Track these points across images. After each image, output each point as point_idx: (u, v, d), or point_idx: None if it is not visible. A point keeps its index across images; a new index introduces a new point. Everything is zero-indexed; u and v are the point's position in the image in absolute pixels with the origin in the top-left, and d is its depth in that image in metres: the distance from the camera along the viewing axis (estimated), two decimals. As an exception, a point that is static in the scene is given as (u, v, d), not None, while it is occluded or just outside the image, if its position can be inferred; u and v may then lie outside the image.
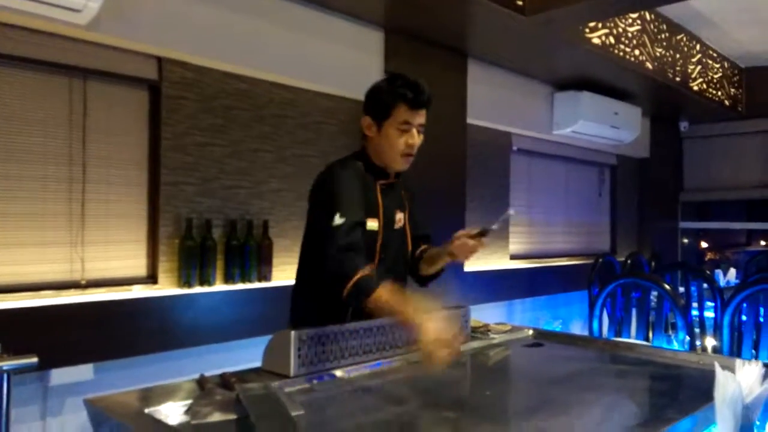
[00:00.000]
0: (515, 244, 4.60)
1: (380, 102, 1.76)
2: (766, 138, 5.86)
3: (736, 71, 5.62)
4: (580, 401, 1.40)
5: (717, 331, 2.69)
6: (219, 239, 2.70)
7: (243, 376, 1.37)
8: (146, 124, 2.55)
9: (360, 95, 1.88)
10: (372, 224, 1.74)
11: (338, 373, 1.50)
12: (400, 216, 1.87)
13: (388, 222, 1.79)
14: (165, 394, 1.26)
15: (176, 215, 2.59)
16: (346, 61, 3.13)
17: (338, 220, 1.61)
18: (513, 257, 4.54)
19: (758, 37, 4.85)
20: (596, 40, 3.69)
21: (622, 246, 5.67)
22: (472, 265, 4.01)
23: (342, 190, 1.69)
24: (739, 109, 5.70)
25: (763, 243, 6.63)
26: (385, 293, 1.50)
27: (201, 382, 1.33)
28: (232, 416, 1.19)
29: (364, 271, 1.53)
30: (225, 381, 1.31)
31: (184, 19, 2.52)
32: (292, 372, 1.41)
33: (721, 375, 1.15)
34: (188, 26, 2.53)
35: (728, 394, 1.14)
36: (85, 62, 2.33)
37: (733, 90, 5.57)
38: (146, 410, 1.17)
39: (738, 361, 1.25)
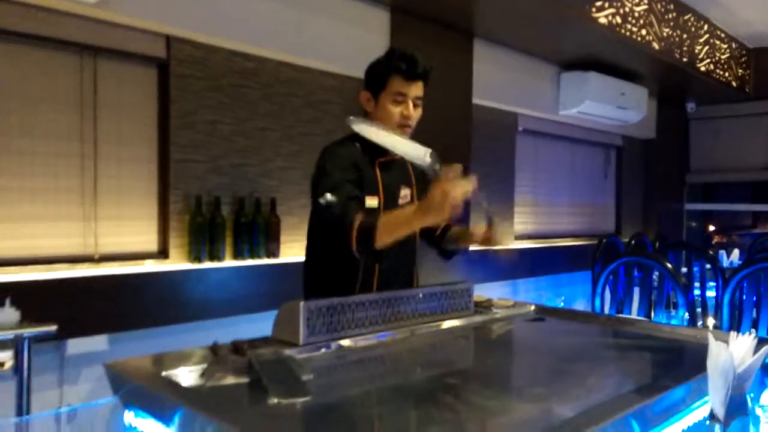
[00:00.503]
0: (520, 224, 4.63)
1: (376, 74, 1.80)
2: (773, 119, 5.84)
3: (744, 52, 5.58)
4: (578, 371, 1.45)
5: (718, 310, 2.74)
6: (228, 216, 2.75)
7: (254, 343, 1.42)
8: (155, 102, 2.59)
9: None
10: (371, 202, 1.78)
11: (345, 342, 1.55)
12: (405, 192, 1.90)
13: (390, 198, 1.82)
14: (180, 359, 1.32)
15: (186, 192, 2.63)
16: (352, 40, 3.14)
17: (330, 197, 1.64)
18: (518, 237, 4.58)
19: (767, 16, 4.82)
20: (603, 20, 3.68)
21: (627, 227, 5.70)
22: (476, 245, 4.05)
23: (332, 170, 1.72)
24: (747, 90, 5.67)
25: None
26: (385, 218, 1.57)
27: (214, 348, 1.38)
28: (245, 379, 1.24)
29: (360, 218, 1.56)
30: (237, 347, 1.37)
31: (193, -3, 2.54)
32: (301, 340, 1.47)
33: (714, 345, 1.20)
34: (196, 5, 2.55)
35: (720, 363, 1.19)
36: (96, 40, 2.36)
37: (740, 71, 5.54)
38: (163, 373, 1.23)
39: (732, 334, 1.29)
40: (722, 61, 5.19)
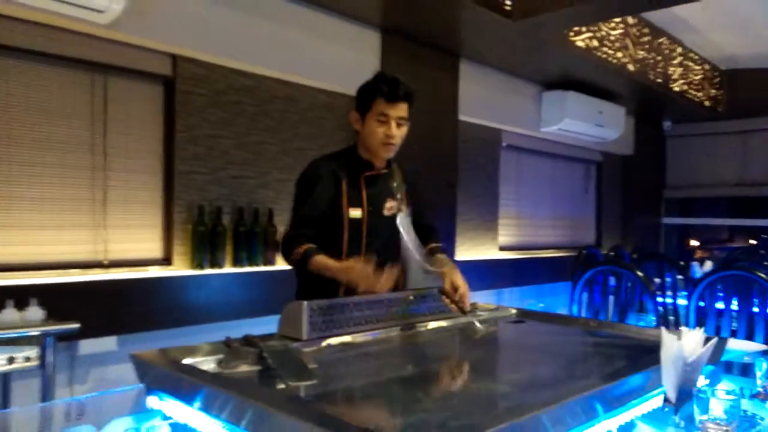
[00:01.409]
0: (504, 236, 4.83)
1: (363, 97, 1.96)
2: (745, 138, 6.13)
3: (716, 73, 5.87)
4: (551, 363, 1.63)
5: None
6: (228, 225, 2.90)
7: (263, 338, 1.58)
8: (161, 117, 2.75)
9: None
10: (355, 213, 1.96)
11: (344, 339, 1.71)
12: (390, 204, 2.05)
13: (375, 209, 1.99)
14: (197, 351, 1.47)
15: (189, 202, 2.79)
16: (345, 59, 3.34)
17: (295, 215, 1.96)
18: (502, 248, 4.77)
19: (738, 41, 5.10)
20: (580, 43, 3.92)
21: (606, 240, 5.93)
22: (462, 255, 4.24)
23: (303, 189, 1.97)
24: (719, 109, 5.96)
25: (753, 241, 6.84)
26: (316, 261, 1.84)
27: (227, 342, 1.54)
28: (257, 368, 1.40)
29: (303, 246, 1.86)
30: (249, 341, 1.52)
31: (197, 19, 2.71)
32: (304, 336, 1.63)
33: (666, 337, 1.38)
34: (200, 26, 2.73)
35: (671, 353, 1.37)
36: (106, 59, 2.53)
37: (713, 91, 5.83)
38: (184, 361, 1.38)
39: (683, 329, 1.47)
40: (696, 82, 5.47)
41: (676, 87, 5.12)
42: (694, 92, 5.42)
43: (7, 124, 2.28)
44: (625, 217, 6.19)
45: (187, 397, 1.27)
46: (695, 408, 1.29)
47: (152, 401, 1.39)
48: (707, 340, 1.46)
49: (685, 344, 1.41)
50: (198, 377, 1.29)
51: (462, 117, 4.15)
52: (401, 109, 1.93)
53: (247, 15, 2.88)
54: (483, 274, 4.32)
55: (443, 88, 4.00)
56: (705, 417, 1.27)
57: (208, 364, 1.43)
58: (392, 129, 1.92)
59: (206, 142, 2.84)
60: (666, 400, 1.39)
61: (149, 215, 2.72)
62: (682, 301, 3.57)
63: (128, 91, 2.63)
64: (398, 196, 2.09)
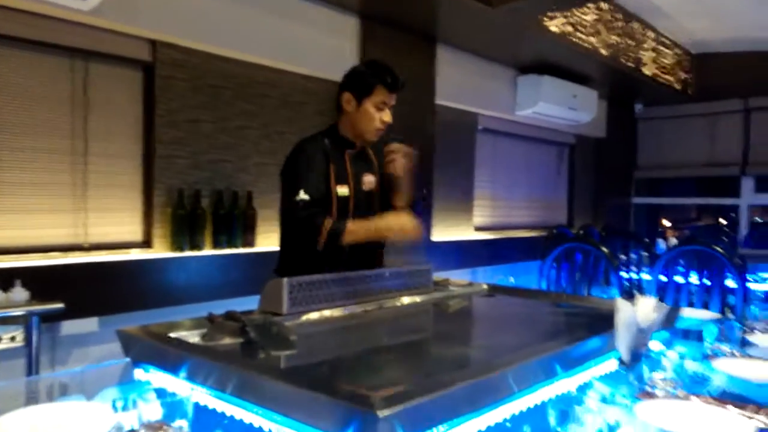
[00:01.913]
0: (479, 217, 4.95)
1: (363, 82, 2.03)
2: (713, 120, 6.31)
3: (687, 57, 6.02)
4: (517, 330, 1.74)
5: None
6: (207, 208, 2.95)
7: (244, 314, 1.65)
8: (141, 102, 2.78)
9: (336, 77, 2.15)
10: (343, 190, 2.05)
11: (323, 313, 1.80)
12: (369, 179, 2.14)
13: (357, 185, 2.09)
14: (181, 326, 1.55)
15: (169, 186, 2.83)
16: (324, 45, 3.38)
17: (302, 195, 1.95)
18: (477, 228, 4.89)
19: (708, 26, 5.24)
20: (554, 28, 4.01)
21: (578, 219, 6.09)
22: (438, 236, 4.35)
23: (304, 169, 2.01)
24: (689, 92, 6.13)
25: (723, 220, 7.04)
26: (352, 225, 1.93)
27: (210, 318, 1.61)
28: (240, 340, 1.48)
29: (329, 221, 1.92)
30: (231, 316, 1.60)
31: (176, 5, 2.74)
32: (284, 310, 1.71)
33: (620, 303, 1.49)
34: (180, 12, 2.75)
35: (625, 318, 1.48)
36: (87, 44, 2.55)
37: (683, 75, 5.98)
38: (170, 335, 1.45)
39: (638, 296, 1.59)
40: (666, 66, 5.61)
41: (647, 71, 5.25)
42: (665, 76, 5.57)
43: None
44: (596, 198, 6.36)
45: (173, 368, 1.34)
46: (644, 367, 1.41)
47: (139, 373, 1.46)
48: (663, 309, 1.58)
49: (639, 310, 1.53)
50: (184, 348, 1.36)
51: (439, 101, 4.23)
52: (395, 98, 2.06)
53: (226, 0, 2.91)
54: (459, 254, 4.43)
55: (421, 73, 4.06)
56: (654, 375, 1.39)
57: (192, 337, 1.50)
58: (388, 116, 2.04)
59: (186, 126, 2.87)
60: (620, 361, 1.50)
61: (129, 199, 2.76)
62: (647, 276, 3.73)
63: (108, 77, 2.65)
64: (375, 172, 2.16)
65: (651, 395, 1.33)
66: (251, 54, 3.07)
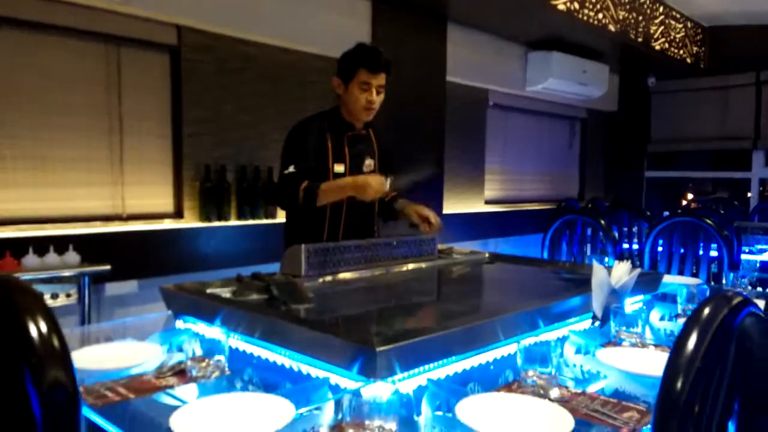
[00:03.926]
0: (490, 191, 5.13)
1: (346, 65, 2.19)
2: (726, 93, 6.35)
3: (699, 30, 6.04)
4: (510, 291, 1.96)
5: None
6: (232, 182, 3.19)
7: (267, 275, 1.89)
8: (169, 84, 3.00)
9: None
10: (339, 168, 2.23)
11: (337, 276, 2.04)
12: (369, 162, 2.32)
13: (355, 165, 2.26)
14: (214, 284, 1.79)
15: (196, 161, 3.07)
16: (339, 26, 3.56)
17: (291, 169, 2.14)
18: (488, 202, 5.08)
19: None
20: (561, 6, 4.11)
21: (589, 193, 6.23)
22: (450, 209, 4.55)
23: (295, 147, 2.19)
24: (702, 66, 6.16)
25: (723, 194, 7.10)
26: (324, 185, 2.08)
27: (239, 278, 1.86)
28: (264, 296, 1.72)
29: (305, 183, 2.07)
30: (257, 276, 1.84)
31: (199, -8, 2.93)
32: (302, 273, 1.95)
33: (595, 266, 1.69)
34: (203, -2, 2.95)
35: (599, 279, 1.69)
36: (119, 31, 2.76)
37: (695, 48, 6.02)
38: (207, 291, 1.70)
39: (615, 261, 1.79)
40: (677, 40, 5.66)
41: (657, 45, 5.32)
42: (675, 50, 5.62)
43: (40, 93, 2.55)
44: (608, 171, 6.48)
45: (209, 318, 1.59)
46: (612, 323, 1.62)
47: (179, 324, 1.72)
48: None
49: (613, 272, 1.74)
50: (219, 301, 1.61)
51: (450, 78, 4.38)
52: (381, 78, 2.17)
53: (244, -14, 3.10)
54: (469, 226, 4.64)
55: (432, 51, 4.22)
56: (621, 329, 1.60)
57: (224, 294, 1.75)
58: (373, 95, 2.17)
59: (211, 106, 3.10)
60: (594, 318, 1.71)
61: (161, 173, 3.00)
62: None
63: (139, 61, 2.88)
64: (375, 157, 2.35)
65: (616, 345, 1.54)
66: (270, 37, 3.26)
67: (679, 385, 0.71)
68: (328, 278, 2.02)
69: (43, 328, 0.76)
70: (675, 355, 0.72)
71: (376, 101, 2.19)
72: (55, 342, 0.76)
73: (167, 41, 2.93)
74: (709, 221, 2.78)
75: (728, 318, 0.76)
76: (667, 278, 2.33)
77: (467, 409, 1.03)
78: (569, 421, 0.98)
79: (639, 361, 1.34)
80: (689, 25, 5.82)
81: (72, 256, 2.22)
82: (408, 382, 1.22)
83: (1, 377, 0.81)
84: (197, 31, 3.01)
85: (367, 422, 0.94)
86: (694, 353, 0.71)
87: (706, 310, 0.75)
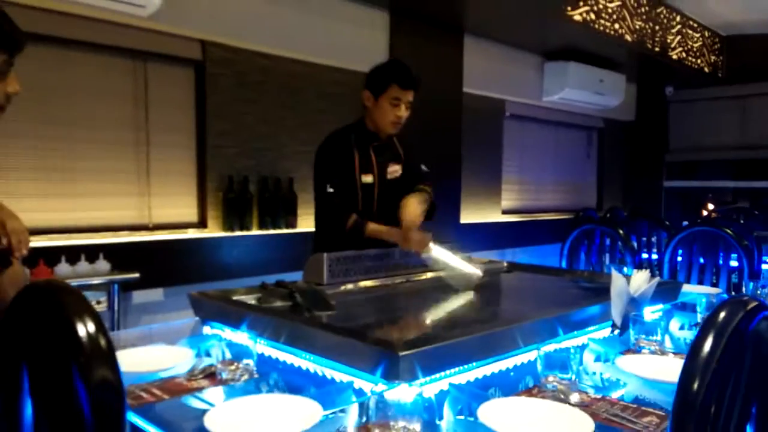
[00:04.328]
0: (507, 201, 5.15)
1: (378, 80, 2.26)
2: (745, 102, 6.30)
3: (716, 39, 6.02)
4: (527, 299, 1.98)
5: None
6: (254, 193, 3.26)
7: (291, 283, 1.94)
8: (193, 98, 3.09)
9: (368, 69, 2.37)
10: (367, 178, 2.31)
11: (358, 284, 2.08)
12: (394, 168, 2.38)
13: (381, 173, 2.33)
14: (239, 292, 1.85)
15: (220, 173, 3.15)
16: (357, 39, 3.63)
17: (329, 188, 2.25)
18: (505, 212, 5.10)
19: (738, 8, 5.25)
20: (578, 17, 4.14)
21: (607, 202, 6.21)
22: (467, 218, 4.58)
23: (329, 163, 2.28)
24: (720, 75, 6.13)
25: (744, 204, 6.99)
26: (370, 229, 2.20)
27: (263, 285, 1.91)
28: (288, 303, 1.77)
29: (352, 219, 2.19)
30: (280, 284, 1.89)
31: (223, 8, 3.02)
32: (325, 280, 1.99)
33: (614, 275, 1.71)
34: (226, 14, 3.04)
35: (618, 287, 1.71)
36: (146, 46, 2.86)
37: (713, 57, 5.99)
38: (233, 298, 1.76)
39: (634, 270, 1.81)
40: (694, 49, 5.64)
41: (674, 55, 5.31)
42: (692, 59, 5.61)
43: (70, 107, 2.65)
44: (626, 181, 6.46)
45: (236, 324, 1.64)
46: (631, 331, 1.63)
47: (207, 329, 1.77)
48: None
49: (632, 281, 1.76)
50: (245, 308, 1.66)
51: (467, 89, 4.43)
52: (410, 95, 2.25)
53: (267, 2, 3.18)
54: (486, 235, 4.66)
55: (448, 63, 4.27)
56: (640, 337, 1.62)
57: (249, 300, 1.80)
58: (402, 111, 2.24)
59: (233, 118, 3.18)
60: (613, 326, 1.73)
61: (186, 184, 3.08)
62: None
63: (165, 75, 2.97)
64: (400, 161, 2.40)
65: (635, 353, 1.56)
66: (290, 50, 3.34)
67: (695, 386, 0.73)
68: (350, 286, 2.06)
69: (91, 328, 0.81)
70: (691, 357, 0.75)
71: (404, 117, 2.27)
72: (102, 342, 0.81)
73: (192, 56, 3.02)
74: (728, 231, 2.77)
75: (743, 322, 0.78)
76: (687, 287, 2.33)
77: (489, 412, 1.06)
78: (590, 425, 1.01)
79: (658, 368, 1.35)
80: (706, 34, 5.81)
81: (102, 264, 2.30)
82: (430, 387, 1.26)
83: (52, 377, 0.86)
84: (220, 45, 3.09)
85: (391, 423, 0.97)
86: (709, 356, 0.74)
87: (722, 314, 0.78)
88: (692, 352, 0.76)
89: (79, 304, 0.86)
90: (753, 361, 0.87)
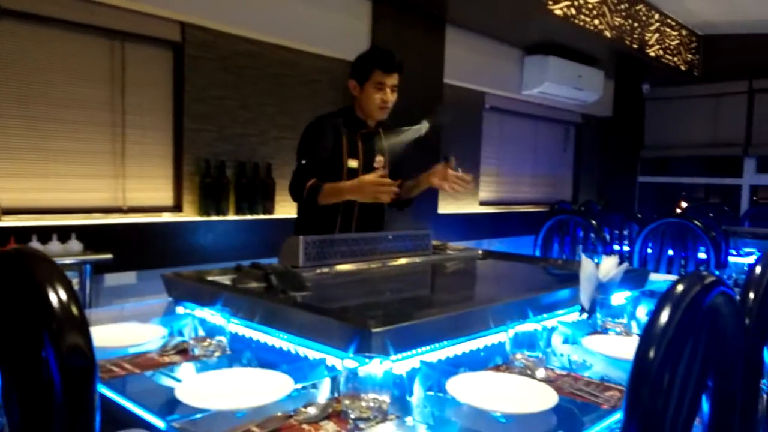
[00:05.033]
0: (485, 192, 5.20)
1: (361, 68, 2.29)
2: (718, 101, 6.44)
3: (693, 38, 6.14)
4: (500, 284, 2.02)
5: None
6: (231, 178, 3.24)
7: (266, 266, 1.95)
8: (172, 80, 3.05)
9: (350, 57, 2.38)
10: (353, 163, 2.32)
11: (333, 267, 2.09)
12: (380, 158, 2.41)
13: (367, 161, 2.35)
14: (215, 273, 1.85)
15: (196, 157, 3.12)
16: (339, 26, 3.62)
17: (303, 161, 2.24)
18: (482, 203, 5.15)
19: (716, 8, 5.36)
20: (558, 11, 4.19)
21: (583, 196, 6.31)
22: (444, 209, 4.62)
23: (309, 141, 2.28)
24: (695, 73, 6.26)
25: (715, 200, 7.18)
26: (326, 187, 2.14)
27: (238, 267, 1.91)
28: (263, 284, 1.78)
29: (312, 181, 2.16)
30: (255, 266, 1.90)
31: (203, -10, 2.99)
32: (300, 263, 2.00)
33: (584, 260, 1.76)
34: (206, -4, 3.01)
35: (587, 272, 1.75)
36: (123, 26, 2.82)
37: (690, 56, 6.11)
38: (207, 278, 1.75)
39: (603, 255, 1.86)
40: (672, 47, 5.75)
41: (652, 52, 5.40)
42: (669, 57, 5.71)
43: (45, 86, 2.60)
44: (602, 176, 6.56)
45: (210, 304, 1.64)
46: (598, 314, 1.68)
47: (180, 309, 1.77)
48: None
49: (601, 267, 1.80)
50: (220, 288, 1.66)
51: (447, 80, 4.45)
52: (394, 78, 2.28)
53: (247, -15, 3.16)
54: (463, 226, 4.70)
55: (430, 53, 4.28)
56: (607, 319, 1.66)
57: (224, 281, 1.80)
58: (387, 95, 2.27)
59: (212, 102, 3.15)
60: (581, 310, 1.78)
61: (162, 167, 3.06)
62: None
63: (143, 56, 2.93)
64: (384, 154, 2.44)
65: (602, 334, 1.60)
66: (272, 35, 3.32)
67: (651, 354, 0.76)
68: (325, 270, 2.07)
69: (63, 295, 0.81)
70: (648, 327, 0.78)
71: (390, 100, 2.28)
72: (74, 309, 0.81)
73: (171, 37, 2.99)
74: (697, 222, 2.85)
75: (700, 294, 0.81)
76: (655, 276, 2.40)
77: (456, 385, 1.08)
78: (554, 397, 1.04)
79: (623, 348, 1.39)
80: (684, 32, 5.92)
81: (75, 245, 2.27)
82: (402, 364, 1.28)
83: (21, 343, 0.86)
84: (200, 28, 3.07)
85: (362, 395, 0.99)
86: (666, 326, 0.77)
87: (680, 287, 0.81)
88: (649, 322, 0.79)
89: (50, 270, 0.86)
90: (710, 335, 0.91)
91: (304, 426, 0.93)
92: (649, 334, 0.78)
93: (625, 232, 3.90)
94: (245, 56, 3.26)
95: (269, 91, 3.39)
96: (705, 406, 1.00)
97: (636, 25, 5.11)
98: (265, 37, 3.30)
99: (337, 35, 3.59)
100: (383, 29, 3.83)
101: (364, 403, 0.98)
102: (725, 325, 0.92)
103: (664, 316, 0.78)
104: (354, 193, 2.11)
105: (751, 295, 1.14)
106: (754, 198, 6.47)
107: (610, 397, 1.09)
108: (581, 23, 4.44)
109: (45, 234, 2.37)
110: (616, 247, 3.79)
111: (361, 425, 0.95)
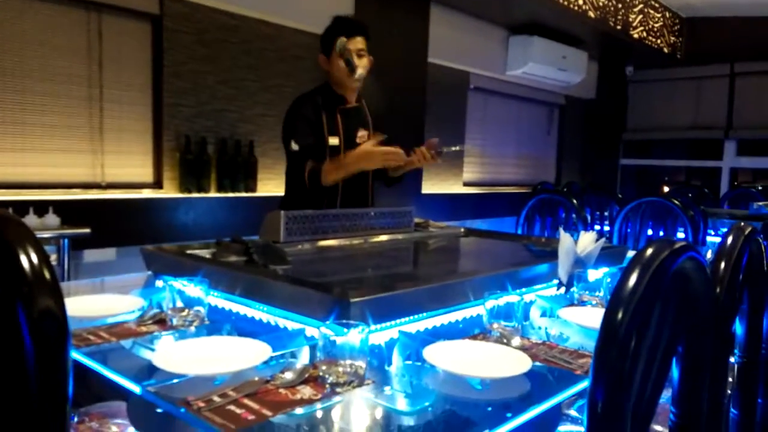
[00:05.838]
0: (468, 173, 5.21)
1: (326, 39, 2.26)
2: (700, 84, 6.50)
3: (677, 20, 6.16)
4: (481, 260, 2.04)
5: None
6: (213, 155, 3.21)
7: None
8: (150, 54, 3.00)
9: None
10: (333, 141, 2.30)
11: (315, 243, 2.09)
12: (362, 133, 2.40)
13: (348, 137, 2.33)
14: (195, 247, 1.84)
15: (177, 132, 3.09)
16: (322, 2, 3.57)
17: (294, 146, 2.21)
18: (466, 184, 5.16)
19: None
20: (543, -9, 4.18)
21: (566, 178, 6.35)
22: (428, 189, 4.62)
23: (295, 123, 2.25)
24: (678, 56, 6.29)
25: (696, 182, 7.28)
26: (327, 165, 2.16)
27: (218, 241, 1.90)
28: (244, 258, 1.77)
29: (310, 164, 2.17)
30: (236, 239, 1.89)
31: (182, -39, 2.93)
32: (281, 238, 2.00)
33: (562, 235, 1.78)
34: (186, -32, 2.94)
35: (566, 246, 1.77)
36: (100, -2, 2.75)
37: (673, 38, 6.14)
38: (187, 252, 1.74)
39: (581, 231, 1.88)
40: (655, 30, 5.77)
41: (635, 34, 5.42)
42: (653, 39, 5.73)
43: (21, 59, 2.54)
44: (584, 158, 6.61)
45: (189, 277, 1.63)
46: (575, 288, 1.70)
47: (159, 283, 1.76)
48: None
49: (580, 242, 1.82)
50: (200, 261, 1.66)
51: (432, 59, 4.43)
52: (359, 42, 2.24)
53: (228, -43, 3.10)
54: (447, 207, 4.72)
55: (414, 31, 4.25)
56: (583, 292, 1.69)
57: (204, 255, 1.79)
58: (354, 59, 2.22)
59: (192, 77, 3.10)
60: (559, 284, 1.80)
61: (141, 143, 3.01)
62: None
63: (120, 29, 2.87)
64: (368, 127, 2.43)
65: (578, 306, 1.63)
66: (253, 9, 3.27)
67: (619, 317, 0.78)
68: (307, 245, 2.07)
69: (34, 258, 0.80)
70: (616, 291, 0.80)
71: (358, 65, 2.24)
72: (46, 272, 0.80)
73: (149, 10, 2.93)
74: (676, 201, 2.89)
75: (669, 259, 0.83)
76: (633, 253, 2.43)
77: (433, 352, 1.10)
78: (527, 363, 1.06)
79: (599, 319, 1.41)
80: (667, 14, 5.94)
81: (52, 219, 2.24)
82: (381, 334, 1.29)
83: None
84: (179, 0, 3.00)
85: (339, 360, 1.00)
86: (633, 288, 0.78)
87: (648, 251, 0.82)
88: (618, 284, 0.80)
89: (21, 232, 0.84)
90: (680, 300, 0.93)
91: (281, 390, 0.93)
92: (617, 296, 0.79)
93: (606, 213, 3.94)
94: (225, 30, 3.21)
95: (250, 67, 3.35)
96: (675, 371, 1.02)
97: (620, 5, 5.11)
98: (245, 10, 3.25)
99: (320, 11, 3.51)
100: (367, 6, 3.78)
101: (341, 369, 0.99)
102: (695, 290, 0.94)
103: (633, 279, 0.80)
104: (361, 163, 2.13)
105: (722, 264, 1.16)
106: (735, 183, 6.56)
107: (584, 364, 1.11)
108: (565, 2, 4.43)
109: (22, 208, 2.33)
110: (597, 227, 3.84)
111: (338, 389, 0.96)
